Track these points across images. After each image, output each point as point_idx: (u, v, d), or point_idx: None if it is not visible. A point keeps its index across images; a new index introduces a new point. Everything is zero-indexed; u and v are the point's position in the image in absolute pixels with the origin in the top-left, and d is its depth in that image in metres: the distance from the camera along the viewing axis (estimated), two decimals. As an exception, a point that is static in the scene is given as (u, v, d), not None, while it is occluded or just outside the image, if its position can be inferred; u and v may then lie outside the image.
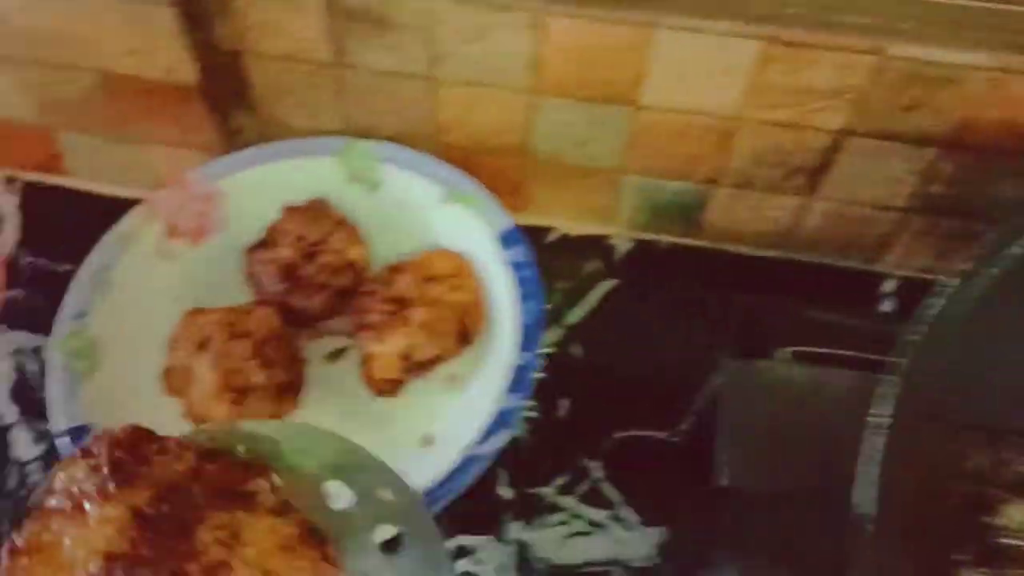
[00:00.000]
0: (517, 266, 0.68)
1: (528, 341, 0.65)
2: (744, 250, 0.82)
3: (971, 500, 0.50)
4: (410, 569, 0.35)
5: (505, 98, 0.72)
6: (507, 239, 0.69)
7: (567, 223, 0.83)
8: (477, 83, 0.71)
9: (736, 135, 0.72)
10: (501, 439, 0.62)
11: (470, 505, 0.63)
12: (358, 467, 0.37)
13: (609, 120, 0.73)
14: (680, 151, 0.74)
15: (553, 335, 0.77)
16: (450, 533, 0.68)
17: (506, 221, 0.69)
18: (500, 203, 0.71)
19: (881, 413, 0.38)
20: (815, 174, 0.74)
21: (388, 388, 0.68)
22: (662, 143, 0.74)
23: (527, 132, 0.75)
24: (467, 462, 0.61)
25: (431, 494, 0.60)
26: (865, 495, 0.36)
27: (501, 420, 0.62)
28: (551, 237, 0.83)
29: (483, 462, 0.61)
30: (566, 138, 0.75)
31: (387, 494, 0.37)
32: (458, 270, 0.70)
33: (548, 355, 0.74)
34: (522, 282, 0.67)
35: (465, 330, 0.69)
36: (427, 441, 0.67)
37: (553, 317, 0.78)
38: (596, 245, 0.83)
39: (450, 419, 0.67)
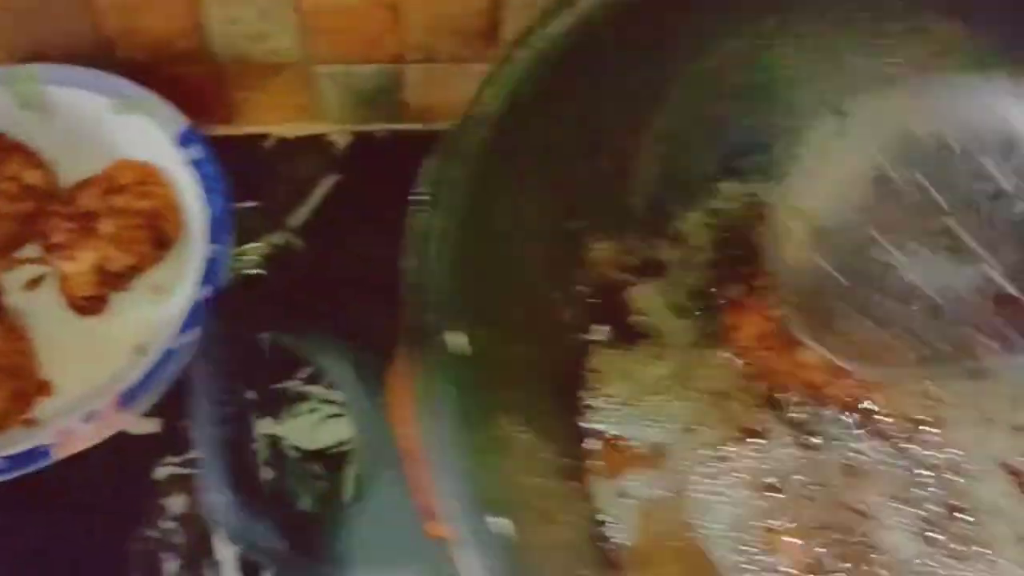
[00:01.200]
0: (197, 164, 0.68)
1: (216, 234, 0.65)
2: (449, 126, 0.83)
3: (600, 285, 0.54)
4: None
5: (163, 1, 0.71)
6: (184, 139, 0.69)
7: (280, 127, 0.83)
8: (129, -11, 0.70)
9: (401, 6, 0.73)
10: (195, 332, 0.62)
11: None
12: None
13: (275, 9, 0.73)
14: (357, 31, 0.75)
15: (278, 238, 0.78)
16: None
17: (181, 122, 0.69)
18: (206, 116, 0.71)
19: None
20: (489, 37, 0.76)
21: (90, 306, 0.68)
22: (336, 25, 0.74)
23: (201, 34, 0.74)
24: (166, 355, 0.62)
25: (133, 393, 0.61)
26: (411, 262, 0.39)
27: (194, 313, 0.63)
28: (268, 143, 0.83)
29: (182, 354, 0.61)
30: (242, 35, 0.75)
31: None
32: (143, 177, 0.69)
33: (271, 256, 0.75)
34: (204, 178, 0.67)
35: (160, 235, 0.69)
36: (140, 351, 0.67)
37: (276, 220, 0.78)
38: (315, 144, 0.83)
39: (159, 326, 0.67)
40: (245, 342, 0.35)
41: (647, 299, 0.54)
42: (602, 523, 0.47)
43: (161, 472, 0.69)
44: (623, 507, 0.48)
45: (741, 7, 0.52)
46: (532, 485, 0.42)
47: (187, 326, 0.63)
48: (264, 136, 0.83)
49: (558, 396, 0.46)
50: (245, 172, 0.81)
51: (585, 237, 0.54)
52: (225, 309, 0.36)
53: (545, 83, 0.46)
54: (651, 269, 0.55)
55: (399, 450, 0.37)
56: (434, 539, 0.36)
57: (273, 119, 0.83)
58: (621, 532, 0.47)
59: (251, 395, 0.71)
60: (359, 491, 0.36)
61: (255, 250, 0.74)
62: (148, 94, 0.71)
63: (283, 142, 0.83)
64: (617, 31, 0.49)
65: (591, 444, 0.49)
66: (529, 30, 0.46)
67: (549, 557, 0.41)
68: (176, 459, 0.69)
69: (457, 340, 0.40)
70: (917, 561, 0.47)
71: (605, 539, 0.47)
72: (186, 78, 0.77)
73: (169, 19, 0.73)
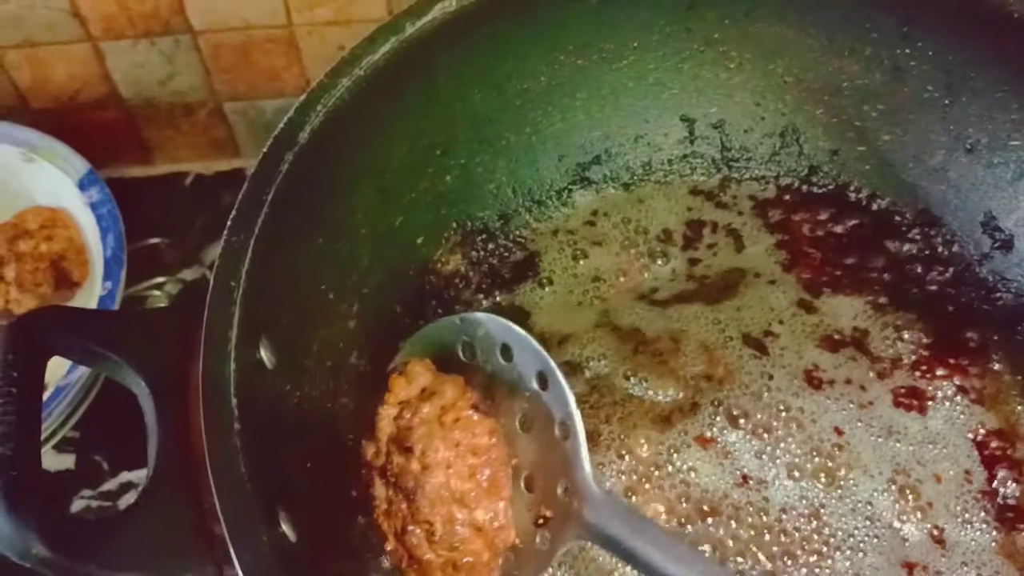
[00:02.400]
0: (95, 206, 0.70)
1: (109, 272, 0.68)
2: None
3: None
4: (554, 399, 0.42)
5: (69, 52, 0.74)
6: (85, 183, 0.71)
7: (199, 165, 0.86)
8: (35, 43, 0.73)
9: (298, 42, 0.76)
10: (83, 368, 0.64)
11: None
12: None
13: (176, 51, 0.75)
14: (258, 67, 0.78)
15: (193, 274, 0.80)
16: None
17: (82, 167, 0.72)
18: (121, 159, 0.73)
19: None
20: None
21: (-3, 347, 0.70)
22: (236, 62, 0.77)
23: (109, 81, 0.77)
24: (56, 392, 0.64)
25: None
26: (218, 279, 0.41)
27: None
28: (187, 181, 0.86)
29: (70, 389, 0.63)
30: (148, 79, 0.78)
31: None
32: (49, 222, 0.72)
33: (184, 291, 0.77)
34: (100, 219, 0.70)
35: (65, 276, 0.71)
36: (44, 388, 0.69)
37: (192, 255, 0.81)
38: (234, 179, 0.86)
39: (68, 366, 0.69)
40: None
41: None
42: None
43: (78, 505, 0.71)
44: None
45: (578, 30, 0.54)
46: (317, 486, 0.43)
47: (77, 364, 0.65)
48: (184, 175, 0.86)
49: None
50: (164, 210, 0.84)
51: (431, 251, 0.55)
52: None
53: (373, 101, 0.47)
54: (501, 282, 0.56)
55: (190, 455, 0.38)
56: (216, 540, 0.37)
57: (191, 157, 0.85)
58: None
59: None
60: (145, 494, 0.37)
61: (162, 285, 0.77)
62: (54, 142, 0.74)
63: (201, 179, 0.86)
64: (449, 49, 0.51)
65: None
66: (352, 55, 0.48)
67: (331, 558, 0.42)
68: (92, 492, 0.71)
69: (258, 352, 0.41)
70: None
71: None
72: (99, 124, 0.80)
73: (77, 69, 0.76)
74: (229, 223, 0.42)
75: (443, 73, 0.51)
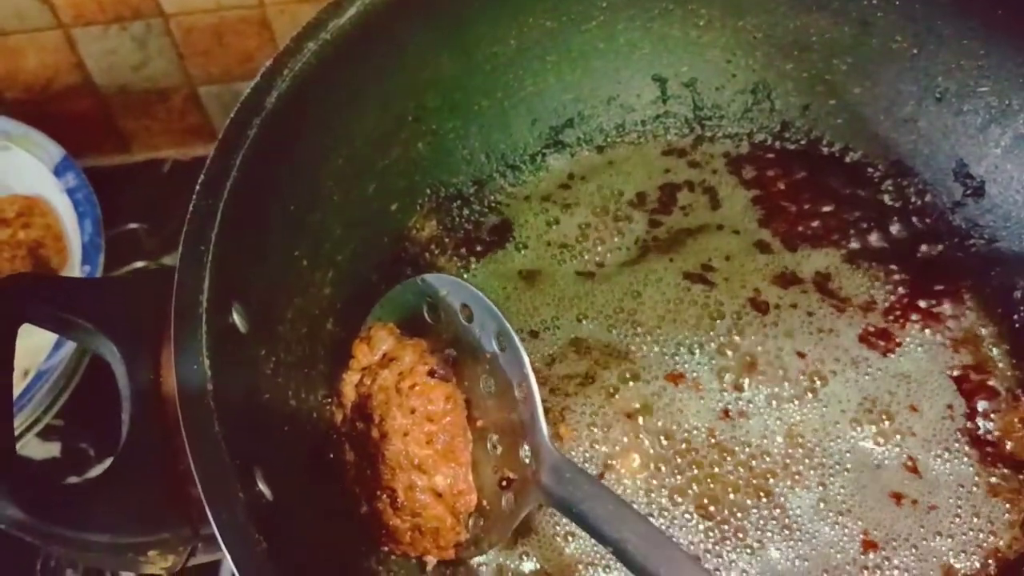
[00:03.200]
0: (71, 191, 0.70)
1: (87, 256, 0.67)
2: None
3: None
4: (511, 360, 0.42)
5: (40, 40, 0.74)
6: (60, 169, 0.71)
7: (176, 151, 0.86)
8: (5, 31, 0.72)
9: (272, 21, 0.75)
10: (68, 347, 0.64)
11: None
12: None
13: (148, 36, 0.75)
14: (231, 50, 0.77)
15: (173, 259, 0.79)
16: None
17: (57, 153, 0.71)
18: (97, 147, 0.73)
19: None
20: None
21: (-22, 336, 0.70)
22: (211, 47, 0.77)
23: (82, 69, 0.77)
24: (37, 377, 0.63)
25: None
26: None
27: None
28: (165, 168, 0.86)
29: (52, 373, 0.63)
30: (121, 65, 0.77)
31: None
32: (26, 210, 0.72)
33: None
34: (77, 205, 0.69)
35: (44, 263, 0.71)
36: (26, 373, 0.69)
37: (171, 240, 0.81)
38: (212, 166, 0.85)
39: (46, 352, 0.68)
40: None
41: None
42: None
43: (64, 493, 0.71)
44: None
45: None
46: (294, 449, 0.43)
47: (57, 346, 0.65)
48: (161, 161, 0.85)
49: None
50: (143, 197, 0.84)
51: (406, 218, 0.55)
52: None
53: (341, 67, 0.47)
54: (476, 248, 0.56)
55: (163, 418, 0.38)
56: (192, 502, 0.37)
57: (167, 144, 0.85)
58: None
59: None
60: (118, 458, 0.37)
61: (143, 269, 0.77)
62: (29, 129, 0.74)
63: (179, 164, 0.85)
64: (416, 14, 0.51)
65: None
66: (318, 20, 0.47)
67: (308, 519, 0.42)
68: (78, 479, 0.71)
69: (231, 316, 0.41)
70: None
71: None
72: (73, 113, 0.80)
73: (49, 57, 0.76)
74: (197, 187, 0.42)
75: (410, 39, 0.51)
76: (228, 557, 0.34)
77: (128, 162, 0.86)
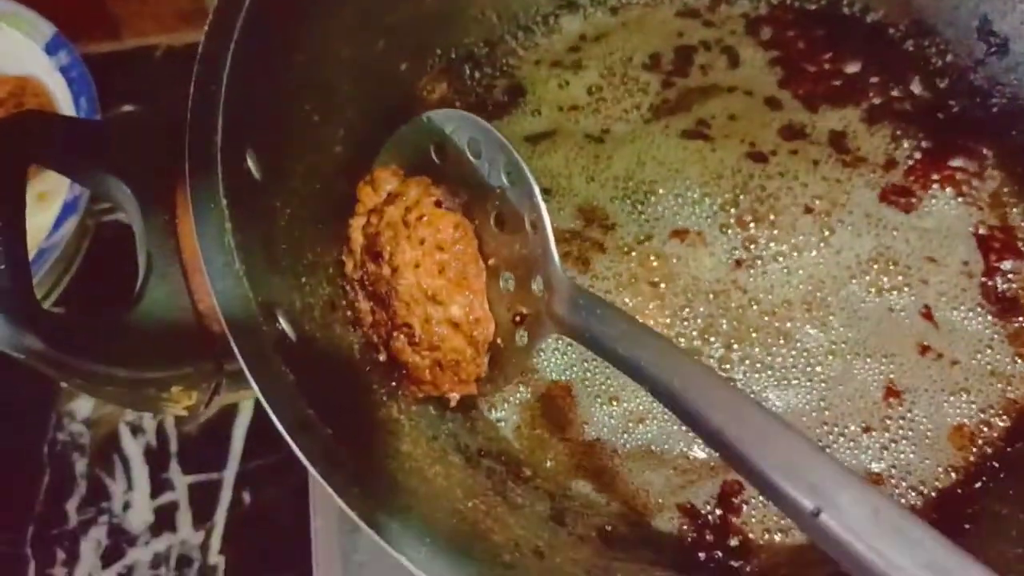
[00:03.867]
0: (64, 69, 0.68)
1: (86, 134, 0.66)
2: None
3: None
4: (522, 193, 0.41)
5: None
6: (52, 47, 0.69)
7: (167, 37, 0.83)
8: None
9: None
10: (69, 225, 0.63)
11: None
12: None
13: (136, -90, 0.72)
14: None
15: (172, 144, 0.78)
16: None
17: (48, 30, 0.69)
18: (87, 32, 0.70)
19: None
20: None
21: (-24, 220, 0.68)
22: (202, -78, 0.74)
23: (69, -54, 0.74)
24: (38, 255, 0.62)
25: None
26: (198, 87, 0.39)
27: (66, 209, 0.63)
28: (158, 54, 0.83)
29: (52, 252, 0.62)
30: (110, -58, 0.74)
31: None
32: (19, 89, 0.70)
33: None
34: (71, 83, 0.67)
35: (39, 146, 0.69)
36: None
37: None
38: (204, 52, 0.83)
39: (47, 231, 0.67)
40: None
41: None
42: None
43: (69, 380, 0.71)
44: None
45: None
46: (312, 301, 0.42)
47: (58, 224, 0.63)
48: (153, 48, 0.83)
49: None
50: (135, 82, 0.82)
51: (416, 79, 0.53)
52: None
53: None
54: (488, 112, 0.55)
55: (180, 257, 0.37)
56: (214, 338, 0.36)
57: (158, 30, 0.82)
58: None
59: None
60: (138, 295, 0.36)
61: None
62: (17, 7, 0.71)
63: (172, 51, 0.83)
64: None
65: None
66: None
67: (326, 347, 0.41)
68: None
69: (246, 162, 0.40)
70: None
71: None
72: (62, -4, 0.77)
73: (35, -66, 0.73)
74: (206, 29, 0.41)
75: None
76: (256, 388, 0.34)
77: (119, 49, 0.83)
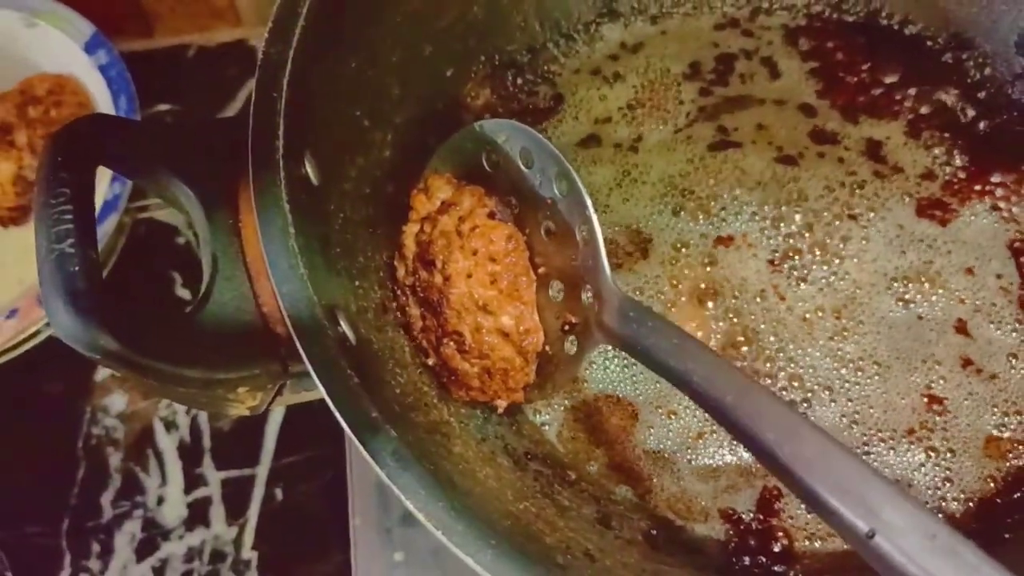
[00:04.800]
0: (104, 68, 0.68)
1: (125, 132, 0.66)
2: None
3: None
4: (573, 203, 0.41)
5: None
6: (91, 46, 0.69)
7: (199, 36, 0.84)
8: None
9: None
10: (109, 223, 0.64)
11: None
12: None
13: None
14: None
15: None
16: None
17: (88, 29, 0.70)
18: (122, 31, 0.71)
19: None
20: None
21: (14, 216, 0.69)
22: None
23: (106, -55, 0.75)
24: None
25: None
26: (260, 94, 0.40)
27: (107, 207, 0.64)
28: (190, 53, 0.84)
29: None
30: (147, -58, 0.75)
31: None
32: (57, 87, 0.70)
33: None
34: (111, 82, 0.68)
35: (77, 143, 0.70)
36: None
37: (202, 124, 0.79)
38: (236, 49, 0.84)
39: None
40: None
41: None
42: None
43: (101, 375, 0.72)
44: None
45: None
46: (364, 304, 0.43)
47: (98, 222, 0.64)
48: (185, 47, 0.84)
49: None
50: (169, 82, 0.82)
51: (461, 84, 0.54)
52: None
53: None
54: (529, 118, 0.55)
55: (245, 260, 0.38)
56: (279, 339, 0.37)
57: (191, 28, 0.83)
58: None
59: (184, 294, 0.73)
60: (204, 297, 0.37)
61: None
62: (56, 5, 0.72)
63: (204, 50, 0.84)
64: None
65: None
66: None
67: (380, 349, 0.42)
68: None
69: (304, 167, 0.41)
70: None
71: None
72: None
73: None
74: (267, 35, 0.41)
75: None
76: (323, 391, 0.35)
77: (151, 47, 0.84)
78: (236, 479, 0.68)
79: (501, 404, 0.45)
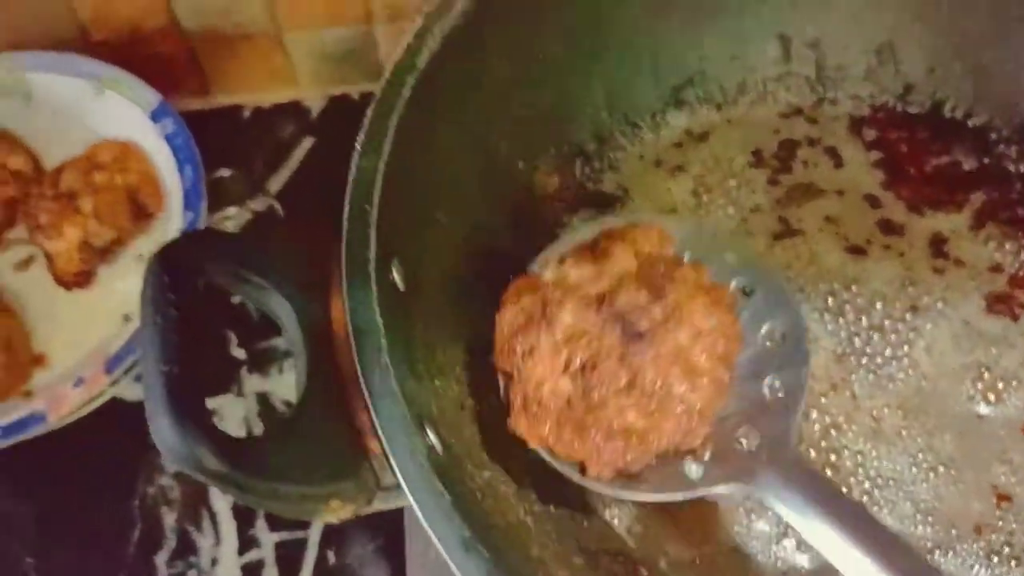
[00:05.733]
0: (169, 137, 0.70)
1: (190, 202, 0.68)
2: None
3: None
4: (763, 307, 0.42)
5: (132, -17, 0.73)
6: (157, 114, 0.71)
7: (256, 96, 0.85)
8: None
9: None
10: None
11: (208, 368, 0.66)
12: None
13: (238, -20, 0.74)
14: (321, -2, 0.77)
15: (259, 204, 0.80)
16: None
17: (154, 98, 0.71)
18: (180, 91, 0.74)
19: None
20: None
21: (78, 280, 0.70)
22: (300, -8, 0.76)
23: (170, 13, 0.76)
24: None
25: (118, 358, 0.63)
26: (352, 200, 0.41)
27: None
28: (245, 114, 0.85)
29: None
30: (209, 10, 0.77)
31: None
32: (121, 154, 0.72)
33: (253, 220, 0.77)
34: (176, 150, 0.69)
35: (141, 208, 0.71)
36: (128, 319, 0.70)
37: (257, 186, 0.81)
38: (291, 110, 0.85)
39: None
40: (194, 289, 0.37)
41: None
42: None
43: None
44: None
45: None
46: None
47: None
48: (240, 107, 0.85)
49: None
50: (225, 142, 0.84)
51: (531, 172, 0.55)
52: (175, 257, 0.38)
53: (483, 21, 0.47)
54: (595, 206, 0.56)
55: (337, 373, 0.39)
56: (370, 454, 0.38)
57: (248, 88, 0.84)
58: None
59: (239, 353, 0.74)
60: (298, 411, 0.38)
61: (235, 215, 0.77)
62: (122, 73, 0.73)
63: (259, 111, 0.85)
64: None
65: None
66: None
67: (460, 452, 0.43)
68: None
69: (392, 274, 0.42)
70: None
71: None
72: (159, 56, 0.79)
73: (141, 1, 0.75)
74: (358, 147, 0.42)
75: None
76: (419, 512, 0.35)
77: (207, 108, 0.85)
78: (289, 541, 0.69)
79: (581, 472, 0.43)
